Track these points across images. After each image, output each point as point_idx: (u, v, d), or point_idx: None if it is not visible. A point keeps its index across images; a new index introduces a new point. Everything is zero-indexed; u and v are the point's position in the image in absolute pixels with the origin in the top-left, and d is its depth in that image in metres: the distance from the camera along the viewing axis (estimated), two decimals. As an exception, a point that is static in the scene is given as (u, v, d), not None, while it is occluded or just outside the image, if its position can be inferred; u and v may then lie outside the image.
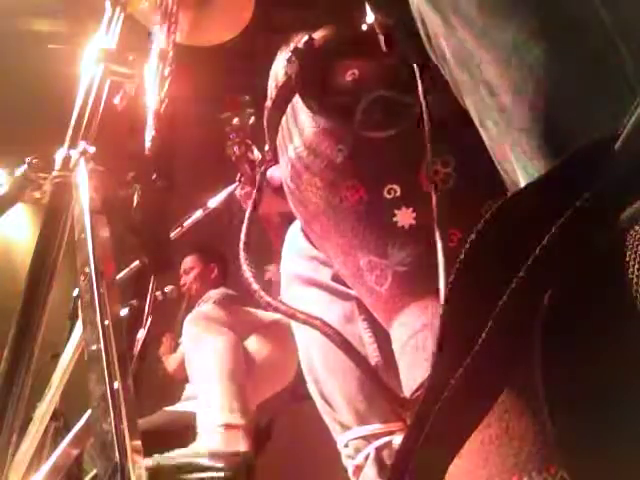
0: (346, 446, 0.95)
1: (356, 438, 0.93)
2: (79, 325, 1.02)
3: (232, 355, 2.04)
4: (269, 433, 2.35)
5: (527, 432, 0.43)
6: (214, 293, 2.60)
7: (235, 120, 1.74)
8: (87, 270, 0.96)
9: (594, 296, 0.35)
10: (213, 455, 1.65)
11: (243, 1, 1.10)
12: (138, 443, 0.79)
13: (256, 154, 1.77)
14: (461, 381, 0.34)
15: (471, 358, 0.34)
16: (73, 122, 1.18)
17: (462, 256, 0.36)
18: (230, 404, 1.87)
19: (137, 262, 2.43)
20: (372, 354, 0.91)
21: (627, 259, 0.33)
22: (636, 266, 0.33)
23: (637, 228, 0.33)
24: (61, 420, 1.95)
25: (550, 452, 0.39)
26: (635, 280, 0.32)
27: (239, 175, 1.95)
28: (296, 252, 1.05)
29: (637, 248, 0.33)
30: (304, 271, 1.02)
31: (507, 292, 0.33)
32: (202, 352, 2.08)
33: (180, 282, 2.82)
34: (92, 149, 1.15)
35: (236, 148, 1.78)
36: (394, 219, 0.72)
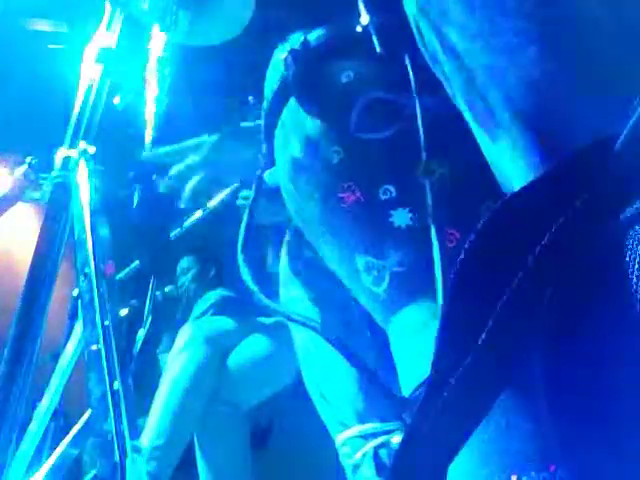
0: (344, 445, 0.95)
1: (354, 437, 0.93)
2: (79, 325, 1.02)
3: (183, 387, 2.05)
4: (269, 433, 2.35)
5: (527, 432, 0.43)
6: (211, 294, 2.60)
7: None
8: (87, 270, 0.96)
9: (594, 296, 0.35)
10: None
11: (243, 1, 1.10)
12: (138, 443, 0.79)
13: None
14: (461, 381, 0.34)
15: (471, 358, 0.34)
16: (73, 122, 1.18)
17: (462, 256, 0.36)
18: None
19: (137, 262, 2.43)
20: (370, 354, 0.91)
21: (627, 259, 0.33)
22: (636, 266, 0.33)
23: (637, 228, 0.33)
24: (61, 420, 1.95)
25: (550, 452, 0.39)
26: (635, 280, 0.32)
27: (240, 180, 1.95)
28: (294, 252, 1.05)
29: (637, 248, 0.33)
30: (303, 271, 1.02)
31: (507, 292, 0.34)
32: (168, 371, 2.10)
33: (178, 283, 2.82)
34: (92, 149, 1.15)
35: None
36: (390, 219, 0.72)
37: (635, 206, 0.33)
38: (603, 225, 0.34)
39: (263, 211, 0.97)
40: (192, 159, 1.06)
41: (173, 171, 1.07)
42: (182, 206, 1.10)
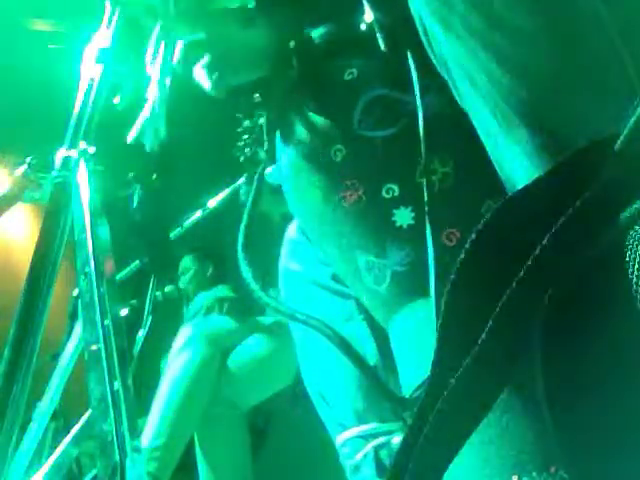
0: (344, 445, 0.95)
1: (354, 437, 0.93)
2: (79, 325, 1.02)
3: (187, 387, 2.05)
4: (266, 433, 2.35)
5: (527, 432, 0.43)
6: (204, 295, 2.59)
7: (246, 122, 1.74)
8: (87, 270, 0.96)
9: (594, 296, 0.35)
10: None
11: (243, 0, 1.10)
12: (138, 443, 0.79)
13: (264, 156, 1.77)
14: (461, 381, 0.34)
15: (471, 358, 0.34)
16: (73, 122, 1.18)
17: (462, 256, 0.36)
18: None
19: (137, 262, 2.43)
20: (371, 353, 0.91)
21: (627, 259, 0.33)
22: (636, 266, 0.33)
23: (637, 228, 0.33)
24: (61, 420, 1.95)
25: (550, 452, 0.39)
26: (635, 280, 0.32)
27: (245, 177, 1.96)
28: (295, 250, 1.05)
29: (637, 248, 0.33)
30: (303, 269, 1.02)
31: (507, 292, 0.33)
32: (170, 371, 2.10)
33: (179, 283, 2.82)
34: (92, 149, 1.15)
35: (247, 150, 1.79)
36: (393, 219, 0.72)
37: (635, 206, 0.33)
38: (603, 225, 0.34)
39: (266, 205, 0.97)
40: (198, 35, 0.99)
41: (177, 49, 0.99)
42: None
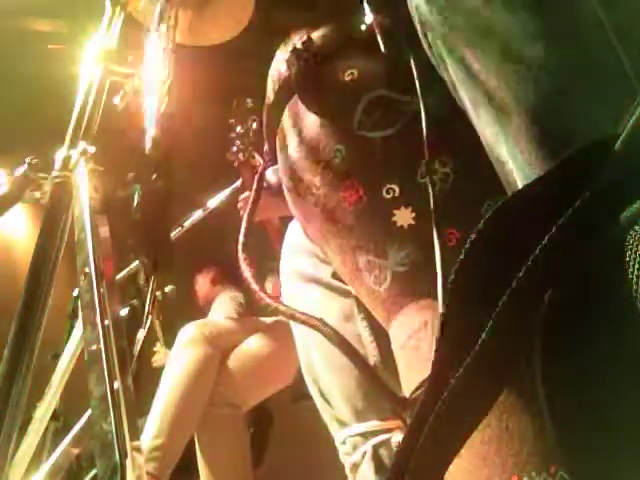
0: (344, 443, 0.95)
1: (354, 435, 0.93)
2: (79, 325, 1.02)
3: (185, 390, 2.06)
4: (268, 433, 2.35)
5: (527, 432, 0.43)
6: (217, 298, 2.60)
7: (239, 128, 1.77)
8: (87, 270, 0.96)
9: (594, 296, 0.35)
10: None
11: (243, 1, 1.10)
12: (138, 443, 0.79)
13: (258, 160, 1.80)
14: (461, 381, 0.34)
15: (471, 358, 0.34)
16: (73, 122, 1.18)
17: (462, 256, 0.36)
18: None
19: (137, 262, 2.43)
20: (371, 353, 0.91)
21: (627, 259, 0.33)
22: (636, 266, 0.33)
23: (637, 228, 0.33)
24: (61, 420, 1.95)
25: (550, 452, 0.39)
26: (635, 280, 0.32)
27: (241, 181, 1.98)
28: (296, 249, 1.06)
29: (637, 248, 0.33)
30: (304, 268, 1.03)
31: (507, 292, 0.34)
32: (169, 371, 2.11)
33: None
34: (92, 149, 1.15)
35: (240, 155, 1.81)
36: (393, 219, 0.72)
37: (635, 206, 0.33)
38: (603, 225, 0.34)
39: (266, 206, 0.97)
40: None
41: None
42: None
